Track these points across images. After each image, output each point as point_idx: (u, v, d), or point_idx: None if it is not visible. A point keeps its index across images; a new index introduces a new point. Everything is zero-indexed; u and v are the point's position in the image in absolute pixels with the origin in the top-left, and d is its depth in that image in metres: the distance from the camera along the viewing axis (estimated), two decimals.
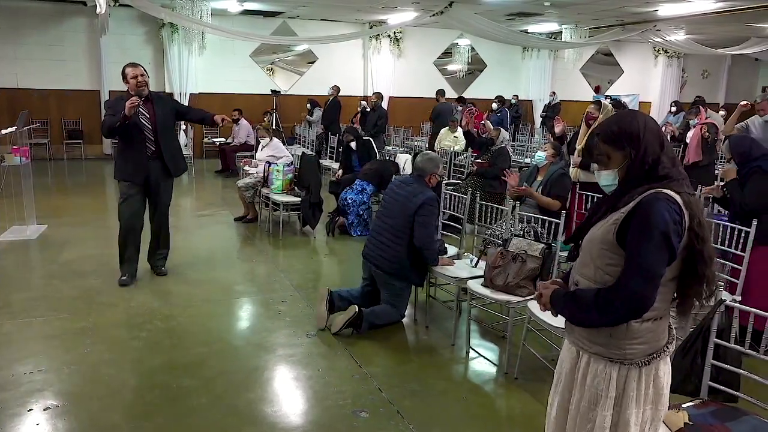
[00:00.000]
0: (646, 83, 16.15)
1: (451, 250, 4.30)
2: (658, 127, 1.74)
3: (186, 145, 11.15)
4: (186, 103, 11.70)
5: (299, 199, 6.31)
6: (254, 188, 6.79)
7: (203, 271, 5.14)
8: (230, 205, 7.75)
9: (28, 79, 11.07)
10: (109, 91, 11.06)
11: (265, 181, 6.64)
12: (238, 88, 12.46)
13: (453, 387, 3.35)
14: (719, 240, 3.57)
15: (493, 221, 4.39)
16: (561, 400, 1.88)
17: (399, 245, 3.87)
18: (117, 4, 10.02)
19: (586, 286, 1.76)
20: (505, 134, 6.69)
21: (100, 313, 4.15)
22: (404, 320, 4.18)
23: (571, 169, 5.14)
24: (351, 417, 2.96)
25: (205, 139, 11.96)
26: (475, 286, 3.62)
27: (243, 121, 10.56)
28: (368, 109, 10.10)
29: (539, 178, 4.78)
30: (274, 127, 11.34)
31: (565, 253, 3.52)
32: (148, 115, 4.50)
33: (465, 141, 7.48)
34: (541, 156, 4.78)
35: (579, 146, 5.26)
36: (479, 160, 6.51)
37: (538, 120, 14.55)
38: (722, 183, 4.20)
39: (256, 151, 8.06)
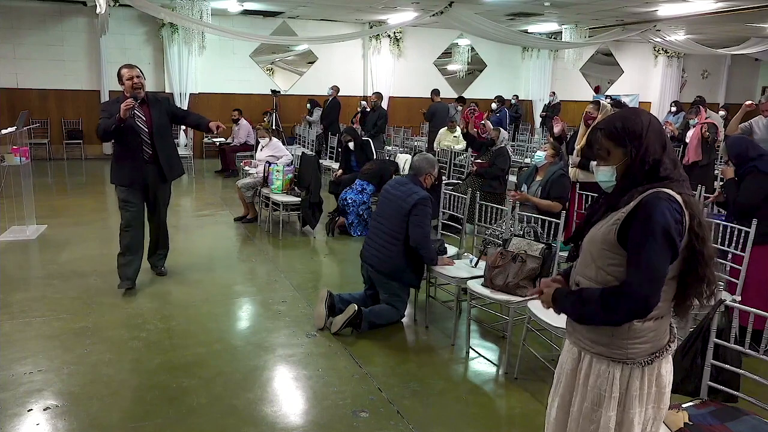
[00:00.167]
0: (646, 83, 16.15)
1: (451, 250, 4.30)
2: (661, 127, 1.74)
3: (186, 145, 11.21)
4: (186, 103, 11.76)
5: (299, 199, 6.31)
6: (254, 188, 6.80)
7: (203, 271, 5.14)
8: (230, 205, 7.75)
9: (28, 79, 11.06)
10: (109, 92, 11.06)
11: (265, 181, 6.64)
12: (237, 88, 12.46)
13: (453, 387, 3.35)
14: (719, 240, 3.58)
15: (493, 221, 4.39)
16: (561, 402, 1.87)
17: (394, 246, 3.88)
18: (117, 4, 10.02)
19: (587, 287, 1.75)
20: (504, 134, 6.70)
21: (99, 313, 4.15)
22: (404, 320, 4.18)
23: (570, 169, 5.14)
24: (351, 417, 2.96)
25: (205, 139, 11.96)
26: (475, 286, 3.62)
27: (243, 121, 10.55)
28: (368, 109, 10.10)
29: (538, 178, 4.78)
30: (273, 127, 11.34)
31: (565, 253, 3.53)
32: (144, 118, 4.42)
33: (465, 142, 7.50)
34: (540, 156, 4.78)
35: (578, 146, 5.27)
36: (479, 161, 6.51)
37: (537, 120, 14.56)
38: (721, 183, 4.21)
39: (255, 152, 8.06)
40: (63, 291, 4.54)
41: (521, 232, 3.92)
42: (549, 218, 3.95)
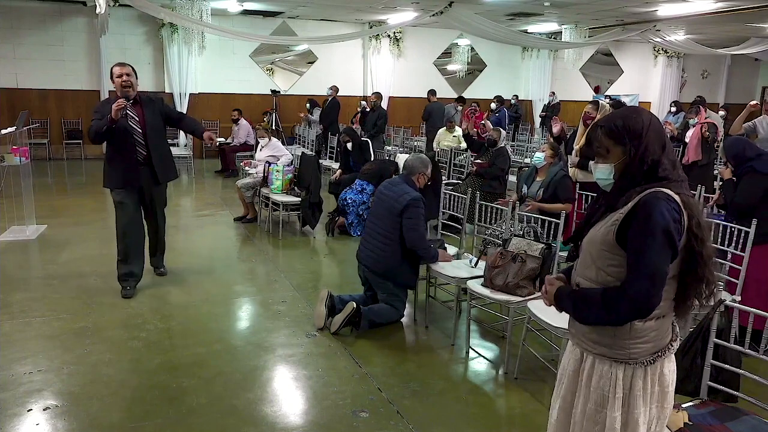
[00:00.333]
0: (646, 83, 16.15)
1: (451, 250, 4.30)
2: (662, 128, 1.74)
3: (186, 145, 11.21)
4: (186, 103, 11.77)
5: (299, 199, 6.31)
6: (254, 188, 6.79)
7: (203, 271, 5.14)
8: (230, 205, 7.75)
9: (28, 79, 11.06)
10: (109, 92, 11.02)
11: (265, 181, 6.64)
12: (237, 88, 12.46)
13: (453, 387, 3.35)
14: (718, 240, 3.58)
15: (493, 221, 4.39)
16: (563, 403, 1.87)
17: (388, 246, 3.89)
18: (117, 3, 10.02)
19: (588, 287, 1.75)
20: (503, 134, 6.70)
21: (99, 313, 4.15)
22: (404, 320, 4.18)
23: (569, 169, 5.14)
24: (351, 417, 2.96)
25: None
26: (475, 286, 3.62)
27: (243, 121, 10.55)
28: (368, 109, 10.10)
29: (539, 179, 4.78)
30: (273, 127, 11.34)
31: (565, 253, 3.53)
32: (137, 119, 4.30)
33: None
34: (539, 157, 4.78)
35: (577, 146, 5.27)
36: (479, 161, 6.51)
37: (537, 120, 14.56)
38: (720, 184, 4.22)
39: (255, 152, 8.06)
40: (63, 291, 4.54)
41: (521, 232, 3.92)
42: (549, 218, 3.95)
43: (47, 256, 5.49)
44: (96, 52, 11.20)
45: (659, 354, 1.71)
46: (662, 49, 15.18)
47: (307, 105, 11.80)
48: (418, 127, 12.85)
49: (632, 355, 1.70)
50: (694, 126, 7.03)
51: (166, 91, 11.70)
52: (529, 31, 13.45)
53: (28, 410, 2.93)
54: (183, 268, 5.15)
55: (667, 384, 1.75)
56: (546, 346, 3.65)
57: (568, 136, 6.06)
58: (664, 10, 10.35)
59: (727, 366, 2.29)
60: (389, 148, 9.65)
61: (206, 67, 12.11)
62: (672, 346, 1.75)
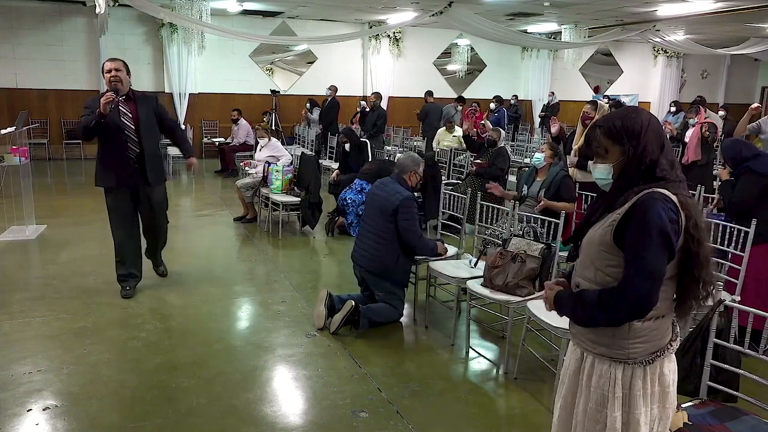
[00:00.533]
0: (646, 83, 16.15)
1: (451, 250, 4.30)
2: (661, 128, 1.74)
3: None
4: (186, 103, 11.76)
5: (299, 199, 6.31)
6: (253, 188, 6.79)
7: (202, 271, 5.14)
8: (229, 205, 7.75)
9: (28, 79, 11.06)
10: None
11: (265, 181, 6.64)
12: (237, 88, 12.46)
13: (452, 387, 3.35)
14: (718, 240, 3.58)
15: (493, 221, 4.39)
16: (565, 403, 1.89)
17: (382, 246, 3.91)
18: (116, 3, 10.02)
19: (586, 289, 1.76)
20: (503, 134, 6.70)
21: (99, 313, 4.15)
22: (403, 320, 4.18)
23: (568, 169, 5.14)
24: (350, 417, 2.96)
25: (205, 139, 11.97)
26: (475, 286, 3.62)
27: (242, 121, 10.55)
28: (367, 110, 10.10)
29: (539, 179, 4.78)
30: (273, 127, 11.34)
31: (565, 254, 3.53)
32: (130, 115, 4.13)
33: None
34: (539, 158, 4.78)
35: (576, 146, 5.27)
36: (478, 161, 6.51)
37: (537, 120, 14.56)
38: (719, 185, 4.23)
39: (255, 152, 8.05)
40: (62, 291, 4.54)
41: (521, 232, 3.92)
42: (549, 218, 3.95)
43: (47, 256, 5.49)
44: (96, 52, 11.19)
45: (658, 354, 1.71)
46: (662, 49, 15.19)
47: (307, 105, 11.80)
48: (418, 127, 12.84)
49: (631, 355, 1.70)
50: (693, 126, 7.04)
51: (166, 91, 11.70)
52: (528, 31, 13.45)
53: (28, 410, 2.92)
54: (182, 268, 5.14)
55: (668, 384, 1.75)
56: (546, 346, 3.65)
57: (567, 135, 6.06)
58: (663, 10, 10.36)
59: (726, 366, 2.29)
60: (389, 148, 9.65)
61: (206, 67, 12.11)
62: (671, 346, 1.75)
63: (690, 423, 2.08)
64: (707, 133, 6.57)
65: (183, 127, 11.46)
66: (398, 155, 4.47)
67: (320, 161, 8.71)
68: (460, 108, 11.25)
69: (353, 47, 13.33)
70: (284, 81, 13.32)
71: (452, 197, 4.68)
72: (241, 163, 8.24)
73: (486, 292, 3.52)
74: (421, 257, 4.13)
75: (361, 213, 6.42)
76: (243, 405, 3.04)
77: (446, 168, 8.00)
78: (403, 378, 3.39)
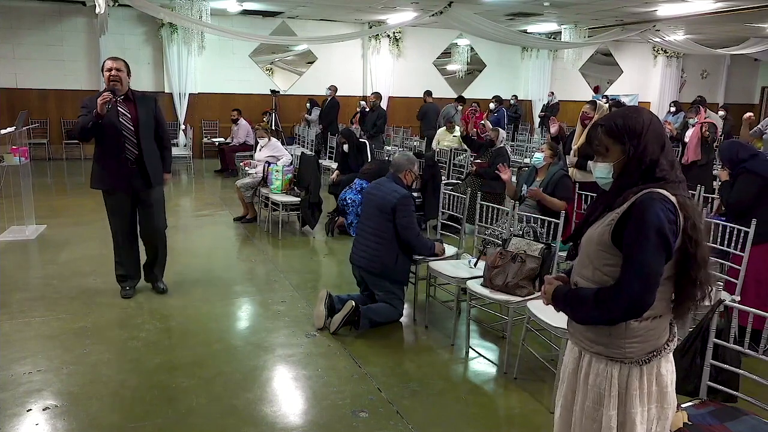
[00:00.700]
0: (646, 83, 16.15)
1: (451, 250, 4.30)
2: (662, 128, 1.74)
3: (185, 145, 11.20)
4: (186, 103, 11.76)
5: (298, 199, 6.31)
6: (253, 188, 6.79)
7: (202, 271, 5.14)
8: (229, 205, 7.75)
9: (28, 79, 11.06)
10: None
11: (265, 181, 6.64)
12: (237, 88, 12.46)
13: (452, 387, 3.35)
14: (718, 240, 3.58)
15: (493, 221, 4.39)
16: (564, 401, 1.90)
17: (380, 245, 3.91)
18: (116, 3, 10.02)
19: (584, 287, 1.76)
20: (503, 134, 6.70)
21: (98, 313, 4.15)
22: (403, 320, 4.18)
23: (568, 169, 5.14)
24: (350, 417, 2.96)
25: (204, 139, 11.97)
26: (475, 286, 3.62)
27: (242, 121, 10.55)
28: (367, 110, 10.09)
29: (538, 179, 4.78)
30: (273, 127, 11.34)
31: (565, 253, 3.53)
32: (129, 115, 4.05)
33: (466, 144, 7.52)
34: (538, 158, 4.78)
35: (575, 146, 5.27)
36: (478, 161, 6.51)
37: (537, 120, 14.56)
38: (718, 185, 4.25)
39: (255, 152, 8.05)
40: (62, 291, 4.54)
41: (521, 232, 3.92)
42: (549, 218, 3.95)
43: (47, 256, 5.49)
44: (95, 52, 11.18)
45: (655, 354, 1.72)
46: (662, 49, 15.18)
47: (307, 105, 11.81)
48: (418, 127, 12.85)
49: (627, 354, 1.71)
50: (693, 126, 7.04)
51: (166, 91, 11.71)
52: (528, 31, 13.45)
53: (28, 410, 2.92)
54: (182, 268, 5.14)
55: (666, 384, 1.75)
56: (546, 346, 3.65)
57: (567, 135, 6.06)
58: (663, 10, 10.36)
59: (726, 366, 2.29)
60: (389, 148, 9.65)
61: (206, 67, 12.10)
62: (668, 346, 1.75)
63: (690, 423, 2.08)
64: (707, 133, 6.57)
65: (184, 126, 11.50)
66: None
67: (320, 161, 8.71)
68: (460, 108, 11.25)
69: (353, 47, 13.32)
70: (284, 81, 13.32)
71: (452, 197, 4.68)
72: (241, 163, 8.24)
73: (486, 292, 3.52)
74: (420, 257, 4.14)
75: (360, 213, 6.43)
76: (243, 405, 3.04)
77: (446, 168, 8.00)
78: (403, 378, 3.39)
